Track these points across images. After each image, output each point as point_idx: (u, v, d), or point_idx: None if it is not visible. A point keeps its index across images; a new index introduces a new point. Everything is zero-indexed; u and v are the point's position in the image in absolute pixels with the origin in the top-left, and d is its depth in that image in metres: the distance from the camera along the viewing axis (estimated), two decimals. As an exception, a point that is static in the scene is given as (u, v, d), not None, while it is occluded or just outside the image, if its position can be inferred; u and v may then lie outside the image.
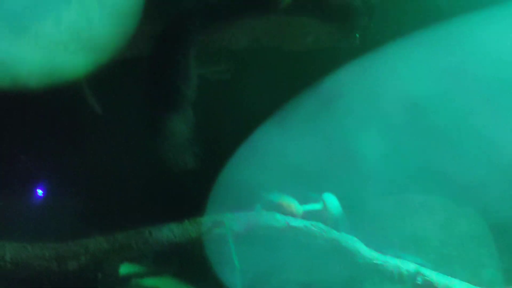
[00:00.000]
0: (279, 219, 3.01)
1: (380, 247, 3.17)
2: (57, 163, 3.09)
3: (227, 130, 3.12)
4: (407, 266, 3.08)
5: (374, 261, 3.09)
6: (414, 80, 3.02)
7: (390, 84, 3.08)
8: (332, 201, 3.17)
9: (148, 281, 3.04)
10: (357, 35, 2.86)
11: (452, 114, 3.14)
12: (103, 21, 2.58)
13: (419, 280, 3.06)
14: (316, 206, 3.15)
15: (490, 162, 3.28)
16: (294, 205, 3.11)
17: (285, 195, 3.12)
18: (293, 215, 3.07)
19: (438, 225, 3.46)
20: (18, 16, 2.51)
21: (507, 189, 3.39)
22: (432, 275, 3.08)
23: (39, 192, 3.08)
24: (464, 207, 3.48)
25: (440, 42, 3.00)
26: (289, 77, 3.16)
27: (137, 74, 2.79)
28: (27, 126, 3.04)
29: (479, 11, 2.96)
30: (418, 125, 3.18)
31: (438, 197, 3.47)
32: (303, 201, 3.14)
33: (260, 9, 2.80)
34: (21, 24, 2.52)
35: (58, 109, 3.03)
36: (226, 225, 2.92)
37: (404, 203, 3.40)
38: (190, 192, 3.04)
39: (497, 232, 3.54)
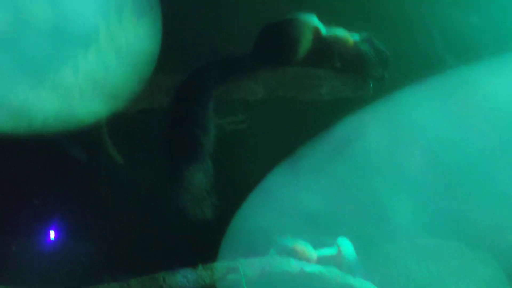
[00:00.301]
0: (294, 265, 2.99)
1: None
2: (71, 208, 3.11)
3: (242, 176, 3.14)
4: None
5: (390, 307, 3.07)
6: (428, 126, 3.03)
7: (404, 130, 3.10)
8: (346, 246, 3.15)
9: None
10: (371, 85, 2.91)
11: (467, 158, 3.14)
12: (120, 69, 2.63)
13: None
14: (331, 251, 3.13)
15: (506, 207, 3.26)
16: (308, 250, 3.09)
17: (299, 240, 3.10)
18: (307, 260, 3.06)
19: (453, 270, 3.43)
20: (37, 63, 2.56)
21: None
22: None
23: (52, 236, 3.10)
24: (480, 252, 3.45)
25: (453, 89, 3.02)
26: (304, 126, 3.19)
27: (157, 125, 2.84)
28: (43, 170, 3.07)
29: (491, 58, 2.99)
30: (432, 170, 3.18)
31: (453, 241, 3.44)
32: (317, 246, 3.13)
33: (276, 62, 2.87)
34: (39, 71, 2.58)
35: (74, 155, 3.07)
36: (240, 270, 2.91)
37: (419, 247, 3.37)
38: (204, 237, 3.04)
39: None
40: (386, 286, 3.18)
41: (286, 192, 3.19)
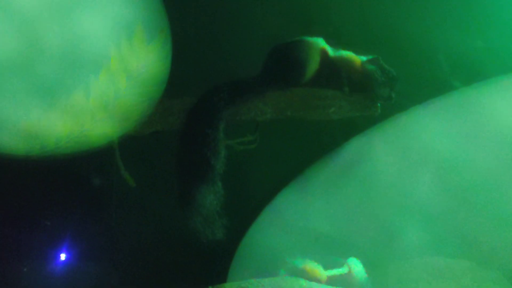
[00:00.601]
0: (304, 285, 2.98)
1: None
2: (83, 229, 3.13)
3: (252, 197, 3.16)
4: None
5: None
6: (436, 146, 3.04)
7: (412, 150, 3.11)
8: (356, 266, 3.14)
9: None
10: (379, 105, 2.93)
11: (475, 178, 3.14)
12: (131, 92, 2.67)
13: None
14: (341, 271, 3.13)
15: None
16: (319, 270, 3.09)
17: (309, 260, 3.10)
18: (317, 280, 3.05)
19: None
20: (49, 86, 2.61)
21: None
22: None
23: (64, 257, 3.12)
24: (491, 271, 3.43)
25: (460, 110, 3.04)
26: (312, 146, 3.21)
27: (168, 147, 2.87)
28: (55, 192, 3.10)
29: (497, 80, 3.02)
30: (441, 190, 3.18)
31: (464, 260, 3.42)
32: (327, 266, 3.13)
33: (284, 83, 2.91)
34: (52, 94, 2.62)
35: (86, 177, 3.10)
36: (250, 291, 2.91)
37: (430, 266, 3.36)
38: (214, 257, 3.05)
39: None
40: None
41: (295, 212, 3.20)
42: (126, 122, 2.70)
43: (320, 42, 2.94)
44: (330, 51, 2.93)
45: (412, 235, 3.27)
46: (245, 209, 3.12)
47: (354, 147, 3.15)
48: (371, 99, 2.92)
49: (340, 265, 3.16)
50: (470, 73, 3.08)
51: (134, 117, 2.72)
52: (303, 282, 3.01)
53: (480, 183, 3.10)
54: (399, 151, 3.11)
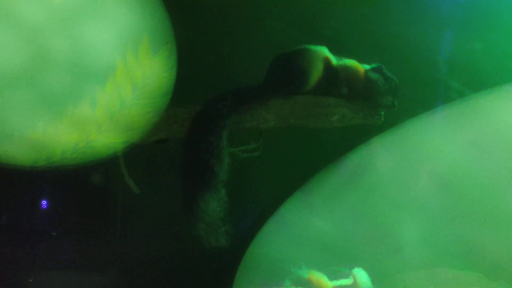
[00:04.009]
0: (309, 295, 2.99)
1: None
2: (88, 238, 3.15)
3: (255, 205, 3.17)
4: None
5: None
6: (440, 154, 3.04)
7: (416, 159, 3.11)
8: (362, 276, 3.13)
9: None
10: (382, 113, 2.95)
11: (484, 187, 3.13)
12: (136, 102, 2.70)
13: None
14: (346, 282, 3.12)
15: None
16: (324, 280, 3.08)
17: (314, 270, 3.10)
18: (323, 291, 3.04)
19: None
20: (56, 97, 2.64)
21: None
22: None
23: (69, 265, 3.13)
24: (498, 282, 3.41)
25: (463, 117, 3.05)
26: (316, 154, 3.22)
27: (172, 154, 2.89)
28: (61, 201, 3.13)
29: (499, 86, 3.02)
30: (447, 199, 3.17)
31: (471, 272, 3.40)
32: (332, 276, 3.12)
33: (287, 91, 2.93)
34: (58, 105, 2.65)
35: (92, 185, 3.13)
36: (255, 301, 2.90)
37: (436, 278, 3.34)
38: (219, 267, 3.05)
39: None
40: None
41: (300, 222, 3.20)
42: (131, 132, 2.73)
43: (324, 51, 2.97)
44: (333, 59, 2.96)
45: (418, 246, 3.26)
46: (248, 218, 3.13)
47: (358, 156, 3.15)
48: (374, 107, 2.94)
49: (346, 276, 3.15)
50: (474, 81, 3.09)
51: (140, 128, 2.74)
52: (309, 292, 3.01)
53: (486, 193, 3.09)
54: (404, 160, 3.12)
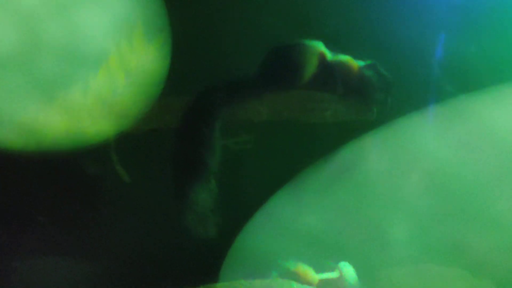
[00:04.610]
0: (295, 287, 3.01)
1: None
2: (75, 225, 3.15)
3: (246, 197, 3.18)
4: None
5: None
6: (430, 153, 3.07)
7: (406, 156, 3.14)
8: (348, 270, 3.16)
9: None
10: (375, 109, 2.97)
11: (470, 188, 3.17)
12: (129, 90, 2.69)
13: None
14: (332, 275, 3.15)
15: (508, 235, 3.28)
16: (310, 273, 3.11)
17: (301, 263, 3.12)
18: (309, 283, 3.07)
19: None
20: (47, 82, 2.63)
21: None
22: None
23: (54, 252, 3.13)
24: (481, 278, 3.45)
25: (455, 117, 3.07)
26: (308, 148, 3.24)
27: (164, 144, 2.90)
28: (50, 187, 3.12)
29: (492, 88, 3.05)
30: (435, 196, 3.21)
31: (456, 268, 3.45)
32: (319, 269, 3.15)
33: (281, 85, 2.94)
34: (49, 90, 2.64)
35: (82, 172, 3.12)
36: (241, 292, 2.92)
37: (422, 273, 3.38)
38: (206, 257, 3.07)
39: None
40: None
41: (288, 215, 3.22)
42: (123, 120, 2.72)
43: (319, 46, 2.98)
44: (329, 55, 2.98)
45: (405, 243, 3.29)
46: (238, 209, 3.14)
47: (349, 152, 3.17)
48: (367, 103, 2.96)
49: (332, 269, 3.18)
50: (467, 81, 3.12)
51: (132, 115, 2.74)
52: (294, 284, 3.03)
53: (473, 193, 3.13)
54: (394, 158, 3.14)
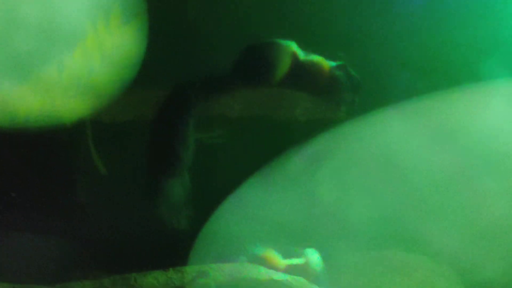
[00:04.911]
0: (262, 272, 3.07)
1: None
2: (47, 205, 3.14)
3: (217, 188, 3.23)
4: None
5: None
6: (398, 147, 3.16)
7: (374, 150, 3.23)
8: (314, 256, 3.24)
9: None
10: (343, 108, 3.07)
11: (431, 178, 3.28)
12: (104, 70, 2.70)
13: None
14: (298, 261, 3.22)
15: (469, 225, 3.40)
16: (277, 259, 3.17)
17: (269, 249, 3.18)
18: (276, 268, 3.13)
19: (416, 282, 3.53)
20: (23, 60, 2.61)
21: (485, 250, 3.50)
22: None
23: (29, 232, 3.12)
24: (443, 266, 3.57)
25: (424, 114, 3.17)
26: (277, 143, 3.31)
27: (139, 136, 2.92)
28: (22, 166, 3.10)
29: (463, 85, 3.15)
30: (400, 188, 3.31)
31: (417, 255, 3.55)
32: (286, 255, 3.21)
33: (254, 82, 3.01)
34: (24, 68, 2.63)
35: (56, 153, 3.12)
36: (210, 275, 2.97)
37: (385, 260, 3.48)
38: (176, 242, 3.11)
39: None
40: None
41: (257, 203, 3.28)
42: (97, 100, 2.73)
43: (292, 45, 3.06)
44: (301, 54, 3.06)
45: (369, 230, 3.39)
46: (210, 197, 3.18)
47: (318, 144, 3.24)
48: (336, 102, 3.06)
49: (298, 255, 3.26)
50: (436, 78, 3.22)
51: (106, 97, 2.75)
52: (262, 269, 3.09)
53: (436, 185, 3.24)
54: (361, 151, 3.23)
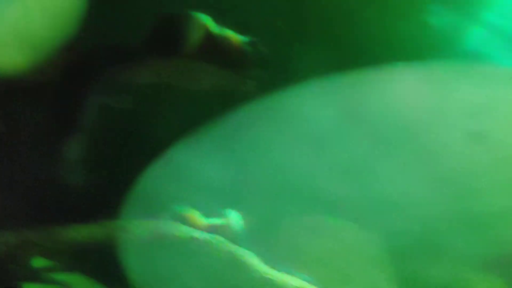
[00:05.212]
0: (183, 230, 3.30)
1: (276, 263, 3.47)
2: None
3: (142, 146, 3.40)
4: (295, 282, 3.40)
5: (266, 276, 3.40)
6: (307, 123, 3.30)
7: (290, 122, 3.38)
8: (235, 217, 3.46)
9: (59, 275, 3.32)
10: (251, 82, 3.18)
11: (350, 153, 3.45)
12: (42, 23, 2.75)
13: (303, 296, 3.40)
14: (220, 221, 3.44)
15: (390, 195, 3.59)
16: (199, 218, 3.39)
17: (191, 208, 3.40)
18: (197, 227, 3.36)
19: (340, 247, 3.73)
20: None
21: (406, 215, 3.71)
22: (315, 291, 3.42)
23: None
24: (363, 230, 3.76)
25: (333, 92, 3.30)
26: (188, 113, 3.43)
27: (45, 98, 3.04)
28: None
29: (378, 64, 3.28)
30: (319, 158, 3.49)
31: (338, 219, 3.74)
32: (209, 215, 3.43)
33: (165, 53, 3.12)
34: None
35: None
36: (131, 230, 3.21)
37: (310, 223, 3.68)
38: (99, 197, 3.31)
39: (398, 257, 3.83)
40: (270, 257, 3.48)
41: (184, 166, 3.47)
42: (35, 53, 2.79)
43: (205, 18, 3.15)
44: (214, 28, 3.16)
45: (291, 194, 3.59)
46: (132, 159, 3.35)
47: (239, 115, 3.39)
48: (245, 77, 3.17)
49: (221, 216, 3.48)
50: (354, 58, 3.33)
51: (44, 50, 2.81)
52: (183, 227, 3.32)
53: (347, 152, 3.42)
54: (278, 122, 3.38)
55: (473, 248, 3.75)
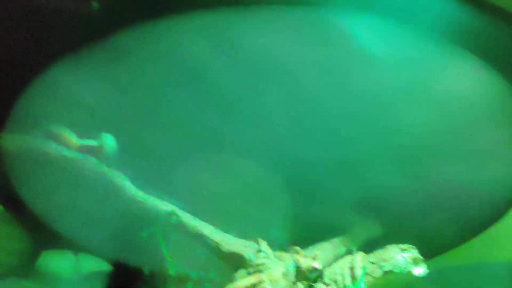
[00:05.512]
0: (53, 147, 3.46)
1: (148, 189, 3.61)
2: None
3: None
4: (165, 206, 3.54)
5: (136, 198, 3.55)
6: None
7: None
8: (109, 140, 3.59)
9: None
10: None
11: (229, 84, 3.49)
12: None
13: (172, 220, 3.52)
14: (93, 142, 3.57)
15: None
16: (71, 137, 3.53)
17: (64, 127, 3.54)
18: (68, 146, 3.51)
19: (245, 187, 3.83)
20: None
21: (283, 156, 3.77)
22: (185, 217, 3.54)
23: None
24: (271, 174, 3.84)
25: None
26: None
27: None
28: None
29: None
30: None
31: (249, 161, 3.82)
32: (83, 136, 3.57)
33: None
34: None
35: None
36: (4, 145, 3.39)
37: (181, 152, 3.78)
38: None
39: (279, 196, 3.91)
40: (145, 185, 3.61)
41: (66, 86, 3.57)
42: None
43: None
44: None
45: (169, 125, 3.69)
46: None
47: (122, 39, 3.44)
48: None
49: (95, 138, 3.61)
50: None
51: None
52: (53, 144, 3.48)
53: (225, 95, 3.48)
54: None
55: (349, 191, 3.79)
